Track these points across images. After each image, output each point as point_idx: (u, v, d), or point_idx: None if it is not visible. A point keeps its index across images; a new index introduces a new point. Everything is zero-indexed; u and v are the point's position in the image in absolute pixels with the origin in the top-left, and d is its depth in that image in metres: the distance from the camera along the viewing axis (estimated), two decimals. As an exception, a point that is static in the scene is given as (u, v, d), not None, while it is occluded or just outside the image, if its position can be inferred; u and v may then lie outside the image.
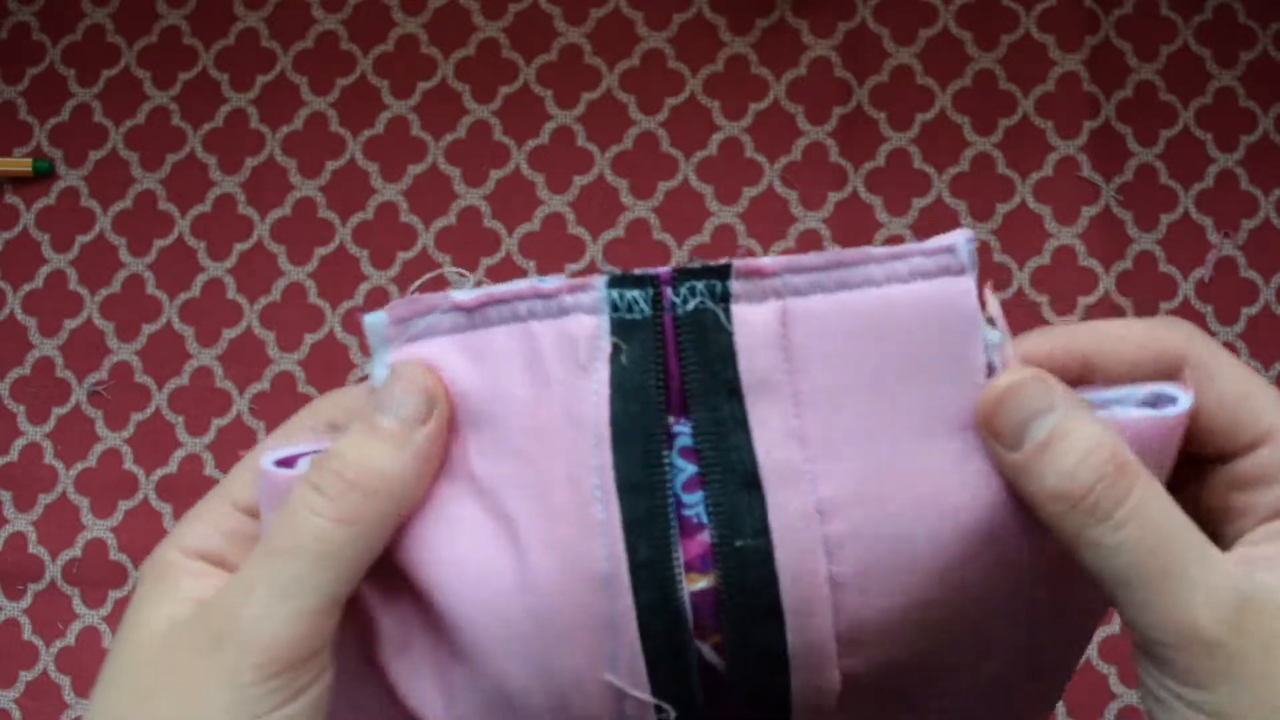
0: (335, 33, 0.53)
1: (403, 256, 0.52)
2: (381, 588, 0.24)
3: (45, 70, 0.54)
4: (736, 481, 0.22)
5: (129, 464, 0.51)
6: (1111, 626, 0.48)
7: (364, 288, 0.51)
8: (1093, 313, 0.50)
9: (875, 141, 0.52)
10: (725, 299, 0.22)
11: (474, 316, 0.23)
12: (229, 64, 0.53)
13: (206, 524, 0.24)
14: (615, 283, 0.23)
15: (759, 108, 0.52)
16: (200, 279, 0.52)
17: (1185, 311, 0.50)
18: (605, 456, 0.22)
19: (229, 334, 0.51)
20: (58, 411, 0.51)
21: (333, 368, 0.51)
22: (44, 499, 0.50)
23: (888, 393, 0.22)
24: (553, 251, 0.51)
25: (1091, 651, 0.48)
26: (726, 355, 0.22)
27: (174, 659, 0.22)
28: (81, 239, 0.52)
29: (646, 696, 0.22)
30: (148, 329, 0.52)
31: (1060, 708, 0.48)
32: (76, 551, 0.50)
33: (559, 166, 0.52)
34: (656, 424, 0.22)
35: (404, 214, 0.52)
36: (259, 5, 0.54)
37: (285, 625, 0.21)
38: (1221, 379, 0.23)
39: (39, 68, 0.54)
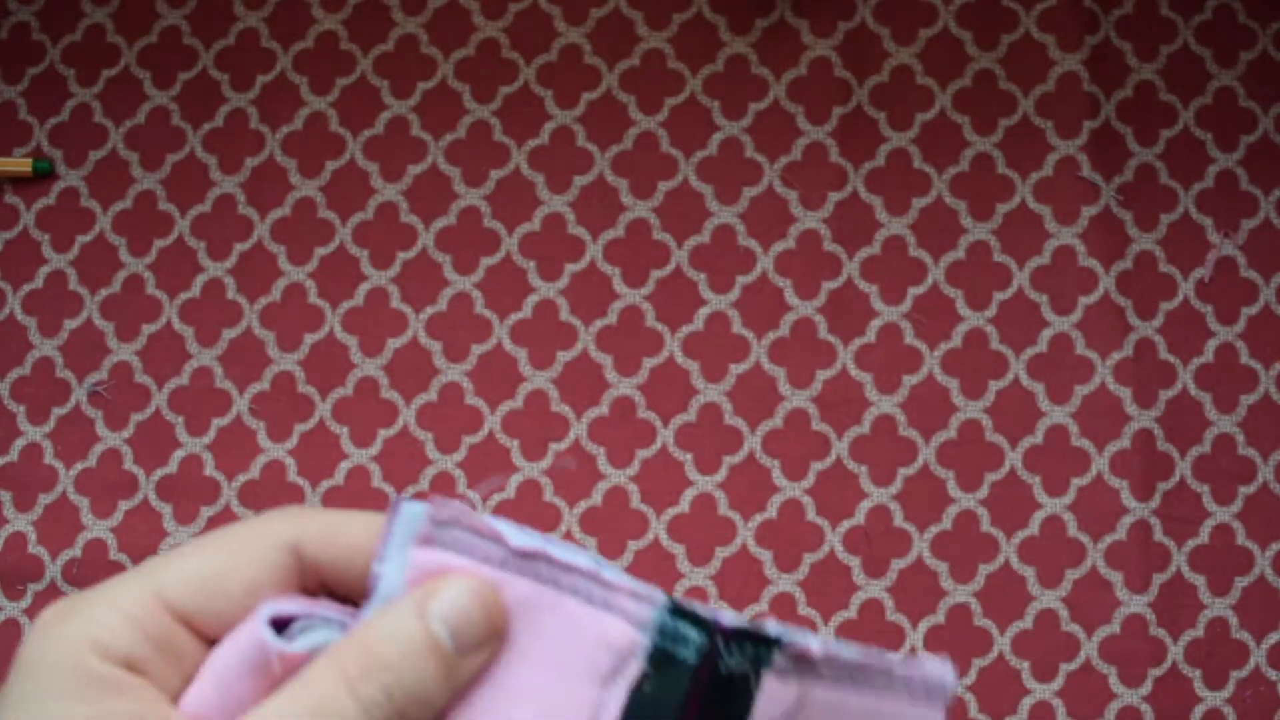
0: (335, 33, 0.53)
1: (403, 256, 0.52)
2: None
3: (45, 70, 0.54)
4: None
5: (129, 464, 0.51)
6: (1112, 627, 0.48)
7: (364, 288, 0.51)
8: (1092, 313, 0.50)
9: (875, 141, 0.52)
10: (759, 666, 0.22)
11: (521, 561, 0.22)
12: (229, 64, 0.53)
13: (124, 617, 0.20)
14: (676, 612, 0.22)
15: (759, 108, 0.52)
16: (200, 279, 0.52)
17: (1185, 311, 0.50)
18: None
19: (229, 334, 0.51)
20: (58, 411, 0.51)
21: (332, 368, 0.51)
22: (44, 499, 0.50)
23: None
24: (553, 251, 0.51)
25: (1091, 651, 0.48)
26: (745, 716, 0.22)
27: None
28: (81, 239, 0.52)
29: None
30: (148, 329, 0.52)
31: (1060, 707, 0.48)
32: (76, 551, 0.50)
33: (559, 166, 0.52)
34: None
35: (404, 214, 0.52)
36: (259, 5, 0.54)
37: None
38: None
39: (39, 68, 0.54)
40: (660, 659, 0.22)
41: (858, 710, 0.23)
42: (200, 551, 0.22)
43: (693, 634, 0.22)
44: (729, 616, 0.22)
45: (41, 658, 0.19)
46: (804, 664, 0.22)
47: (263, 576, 0.21)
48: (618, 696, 0.22)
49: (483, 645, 0.21)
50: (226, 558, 0.21)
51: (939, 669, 0.23)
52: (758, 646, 0.22)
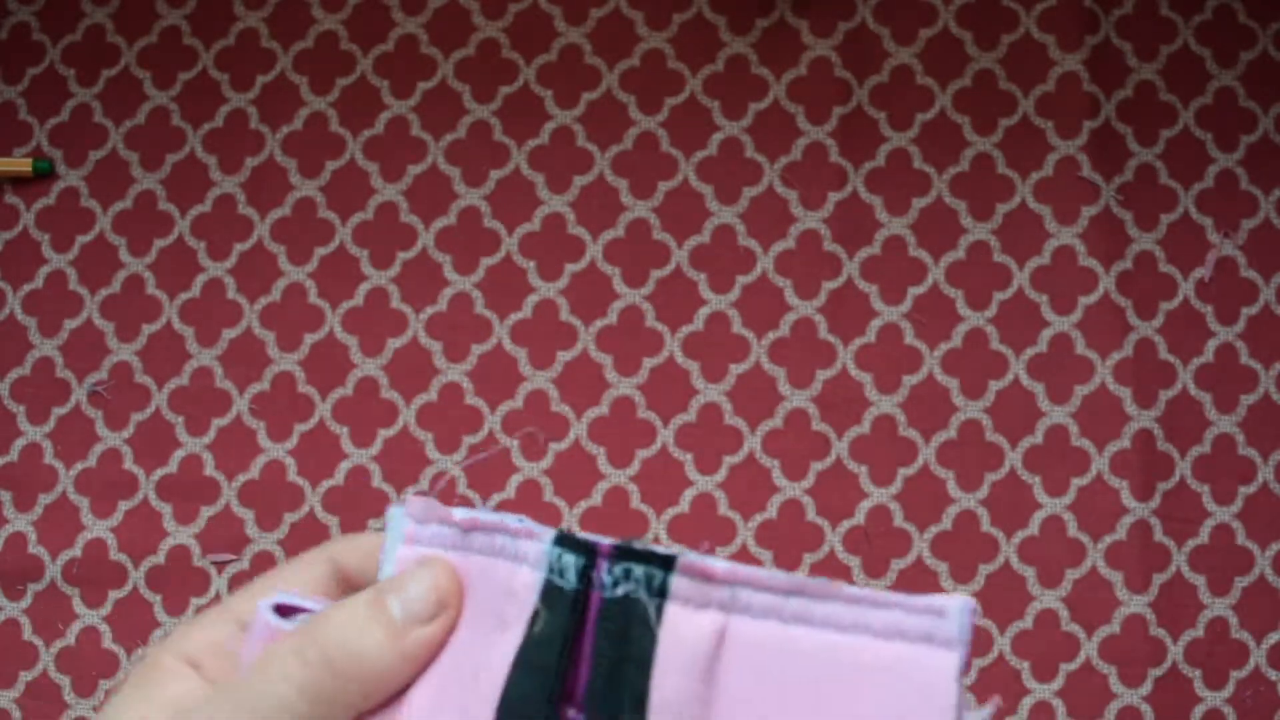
0: (335, 33, 0.53)
1: (403, 256, 0.52)
2: None
3: (45, 70, 0.54)
4: None
5: (129, 464, 0.51)
6: (1112, 627, 0.48)
7: (364, 288, 0.51)
8: (1092, 313, 0.50)
9: (875, 141, 0.52)
10: (662, 593, 0.20)
11: (464, 537, 0.23)
12: (229, 64, 0.53)
13: (202, 631, 0.24)
14: (560, 541, 0.21)
15: (759, 108, 0.52)
16: (200, 279, 0.52)
17: (1185, 311, 0.50)
18: None
19: (229, 334, 0.51)
20: (58, 411, 0.51)
21: (332, 368, 0.51)
22: (44, 499, 0.50)
23: None
24: (553, 251, 0.51)
25: (1091, 651, 0.48)
26: (643, 661, 0.20)
27: None
28: (81, 239, 0.52)
29: None
30: (148, 329, 0.52)
31: (1060, 707, 0.48)
32: (76, 551, 0.50)
33: (559, 166, 0.52)
34: (544, 711, 0.20)
35: (404, 214, 0.52)
36: (259, 5, 0.54)
37: None
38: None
39: (39, 68, 0.54)
40: (549, 593, 0.21)
41: (816, 655, 0.19)
42: (266, 574, 0.26)
43: (571, 559, 0.21)
44: (613, 540, 0.21)
45: (138, 661, 0.24)
46: (713, 589, 0.20)
47: (307, 588, 0.25)
48: (512, 639, 0.21)
49: (432, 616, 0.22)
50: (282, 576, 0.25)
51: (942, 600, 0.18)
52: (650, 568, 0.20)
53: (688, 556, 0.20)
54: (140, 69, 0.53)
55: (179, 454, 0.51)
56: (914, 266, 0.51)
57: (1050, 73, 0.52)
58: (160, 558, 0.50)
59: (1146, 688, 0.48)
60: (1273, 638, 0.49)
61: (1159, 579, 0.49)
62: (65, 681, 0.49)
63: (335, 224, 0.52)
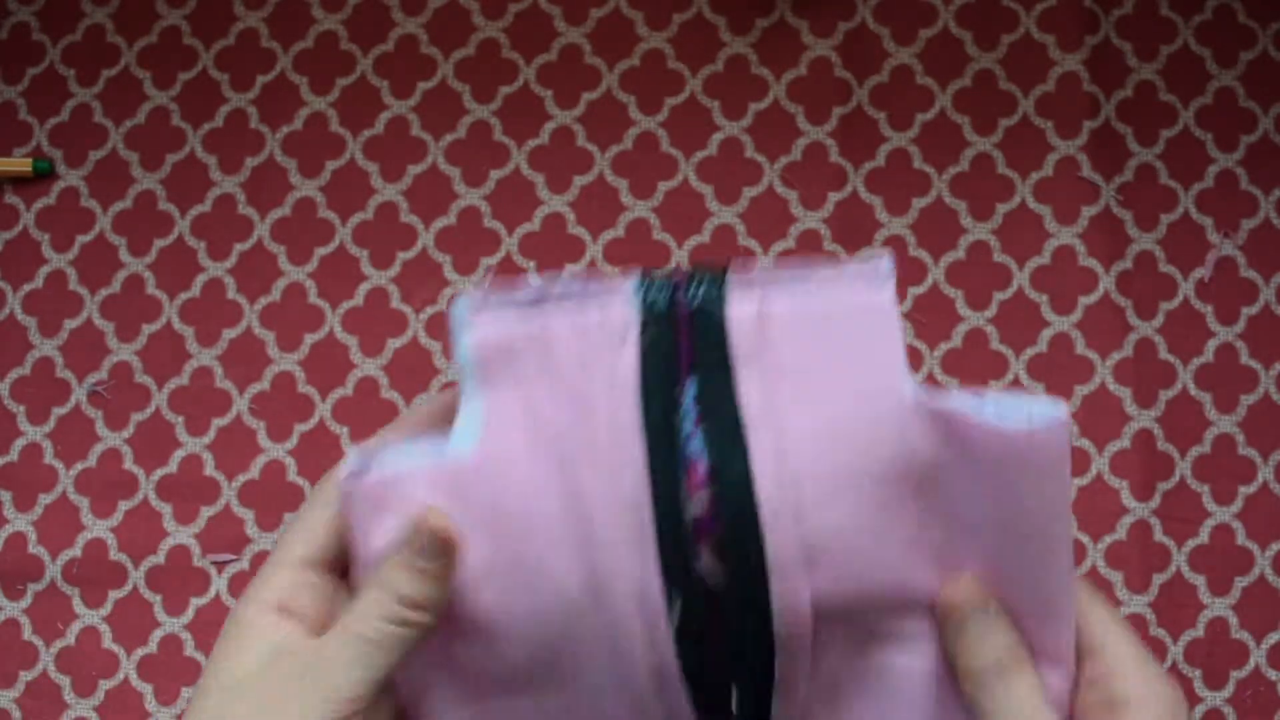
0: (335, 33, 0.53)
1: (403, 256, 0.52)
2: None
3: (45, 70, 0.54)
4: (728, 425, 0.29)
5: (129, 464, 0.51)
6: (1111, 626, 0.48)
7: (364, 288, 0.51)
8: (1092, 313, 0.50)
9: (875, 141, 0.52)
10: (724, 294, 0.30)
11: (537, 308, 0.30)
12: (229, 64, 0.53)
13: (272, 583, 0.30)
14: (643, 283, 0.30)
15: (759, 108, 0.52)
16: (200, 279, 0.52)
17: (1185, 311, 0.50)
18: (637, 403, 0.29)
19: (229, 334, 0.51)
20: (58, 411, 0.51)
21: (332, 368, 0.51)
22: (44, 499, 0.50)
23: (835, 365, 0.30)
24: (553, 251, 0.51)
25: (1091, 651, 0.48)
26: (722, 331, 0.30)
27: (270, 691, 0.29)
28: (81, 239, 0.52)
29: (659, 581, 0.29)
30: (148, 329, 0.52)
31: (1060, 708, 0.48)
32: (76, 551, 0.50)
33: (559, 166, 0.52)
34: (673, 381, 0.30)
35: (404, 214, 0.52)
36: (259, 5, 0.54)
37: (357, 685, 0.29)
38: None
39: (39, 68, 0.54)
40: (648, 313, 0.30)
41: (814, 307, 0.30)
42: (288, 530, 0.32)
43: (659, 287, 0.30)
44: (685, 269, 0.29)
45: (229, 624, 0.30)
46: (752, 283, 0.30)
47: (328, 527, 0.31)
48: (631, 349, 0.30)
49: (439, 551, 0.29)
50: (320, 505, 0.31)
51: (877, 258, 0.30)
52: (713, 280, 0.30)
53: (734, 266, 0.30)
54: (140, 69, 0.53)
55: (179, 454, 0.51)
56: (914, 266, 0.51)
57: (1050, 73, 0.52)
58: (160, 558, 0.50)
59: (1146, 688, 0.48)
60: (1273, 638, 0.49)
61: (1159, 579, 0.49)
62: (65, 681, 0.49)
63: (335, 224, 0.52)
